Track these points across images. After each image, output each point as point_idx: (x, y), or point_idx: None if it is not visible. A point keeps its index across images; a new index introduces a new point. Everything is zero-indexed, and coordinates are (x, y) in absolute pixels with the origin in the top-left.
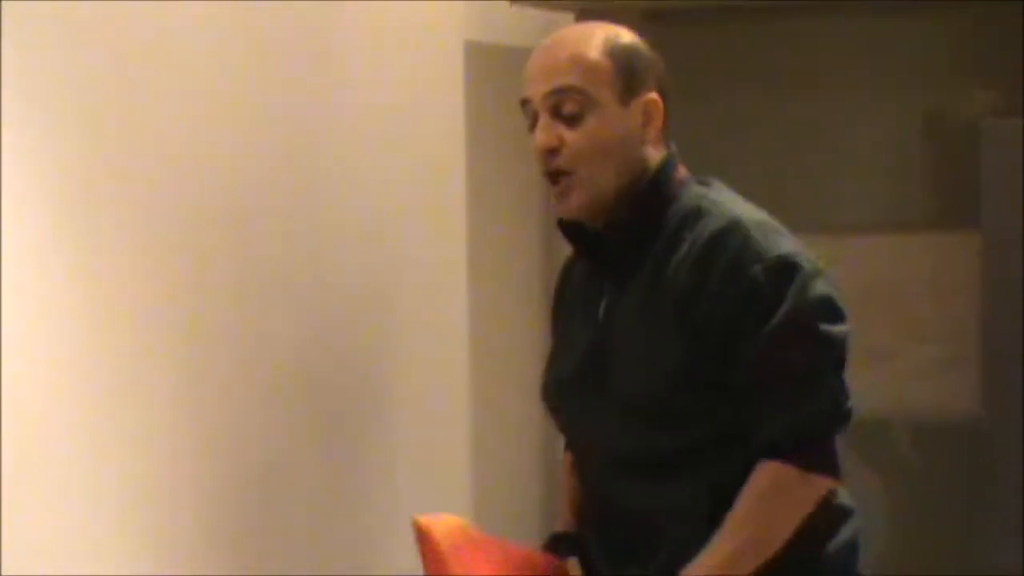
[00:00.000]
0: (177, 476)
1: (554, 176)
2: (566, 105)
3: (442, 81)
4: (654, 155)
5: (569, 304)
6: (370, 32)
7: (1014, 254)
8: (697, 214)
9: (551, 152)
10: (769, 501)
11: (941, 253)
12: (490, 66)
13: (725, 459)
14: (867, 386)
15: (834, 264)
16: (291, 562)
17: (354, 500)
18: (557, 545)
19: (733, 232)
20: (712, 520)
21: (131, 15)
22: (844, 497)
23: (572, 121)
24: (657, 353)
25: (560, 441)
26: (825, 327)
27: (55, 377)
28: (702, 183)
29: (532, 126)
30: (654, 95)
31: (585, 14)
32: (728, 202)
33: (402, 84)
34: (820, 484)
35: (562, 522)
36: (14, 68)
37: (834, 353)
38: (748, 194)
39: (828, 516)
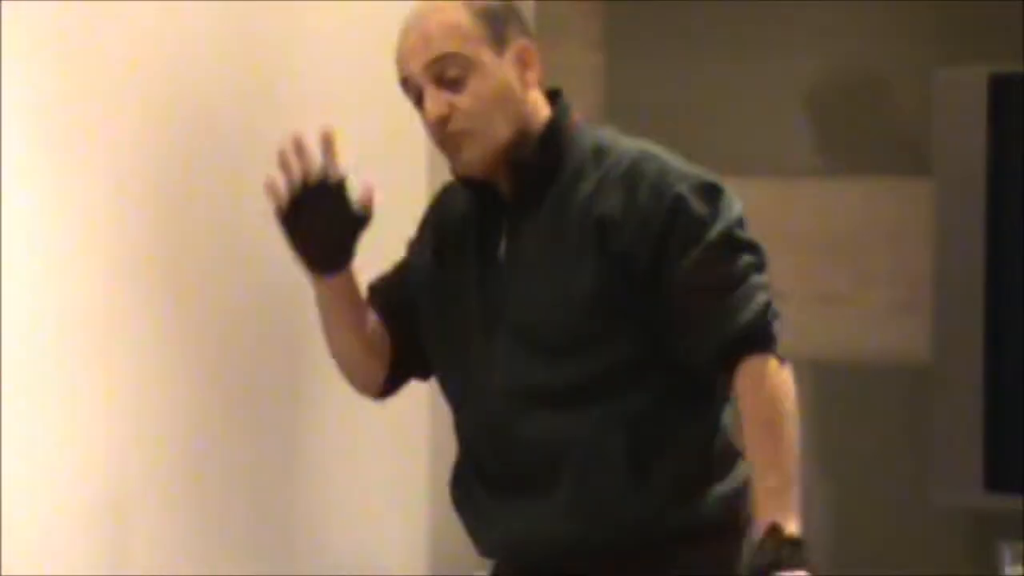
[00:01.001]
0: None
1: (449, 140)
2: (448, 71)
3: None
4: (539, 98)
5: (444, 244)
6: (331, 8)
7: (966, 201)
8: (599, 152)
9: (444, 120)
10: (785, 395)
11: (893, 199)
12: None
13: (637, 385)
14: (819, 330)
15: (786, 208)
16: (235, 535)
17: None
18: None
19: (648, 159)
20: (627, 448)
21: None
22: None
23: (456, 86)
24: (568, 283)
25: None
26: (750, 237)
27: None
28: (595, 128)
29: (418, 101)
30: (524, 41)
31: None
32: (627, 140)
33: (369, 46)
34: (789, 370)
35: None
36: None
37: (761, 257)
38: (701, 136)
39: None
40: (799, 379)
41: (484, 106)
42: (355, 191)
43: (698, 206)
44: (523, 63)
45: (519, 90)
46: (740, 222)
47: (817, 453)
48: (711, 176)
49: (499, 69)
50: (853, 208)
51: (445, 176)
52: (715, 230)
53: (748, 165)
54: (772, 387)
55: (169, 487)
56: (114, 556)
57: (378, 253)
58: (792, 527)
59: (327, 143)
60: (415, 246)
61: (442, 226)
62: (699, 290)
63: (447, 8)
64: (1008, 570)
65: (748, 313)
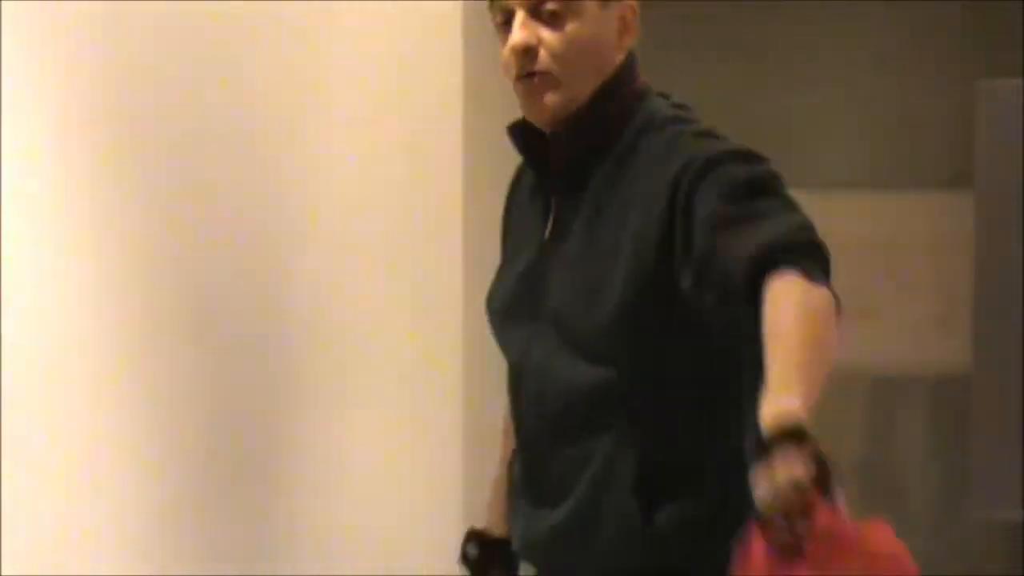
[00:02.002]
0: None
1: (527, 78)
2: (548, 3)
3: (441, 39)
4: (619, 61)
5: (514, 223)
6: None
7: (1007, 213)
8: (661, 129)
9: (527, 52)
10: (814, 304)
11: (933, 211)
12: (487, 24)
13: (658, 398)
14: (859, 342)
15: (826, 220)
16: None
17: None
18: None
19: (684, 137)
20: (636, 482)
21: None
22: None
23: (552, 21)
24: (605, 273)
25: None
26: (761, 163)
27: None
28: (662, 95)
29: (503, 24)
30: (630, 1)
31: None
32: (688, 117)
33: (402, 41)
34: (829, 293)
35: (499, 519)
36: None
37: (780, 179)
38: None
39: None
40: (837, 391)
41: (574, 53)
42: None
43: (718, 150)
44: (624, 24)
45: (611, 50)
46: (745, 149)
47: (856, 464)
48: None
49: (600, 21)
50: (893, 220)
51: (481, 184)
52: (732, 167)
53: (787, 177)
54: (804, 293)
55: (174, 487)
56: (113, 558)
57: (407, 253)
58: (789, 404)
59: None
60: (503, 235)
61: (516, 206)
62: (722, 212)
63: None
64: None
65: (781, 227)
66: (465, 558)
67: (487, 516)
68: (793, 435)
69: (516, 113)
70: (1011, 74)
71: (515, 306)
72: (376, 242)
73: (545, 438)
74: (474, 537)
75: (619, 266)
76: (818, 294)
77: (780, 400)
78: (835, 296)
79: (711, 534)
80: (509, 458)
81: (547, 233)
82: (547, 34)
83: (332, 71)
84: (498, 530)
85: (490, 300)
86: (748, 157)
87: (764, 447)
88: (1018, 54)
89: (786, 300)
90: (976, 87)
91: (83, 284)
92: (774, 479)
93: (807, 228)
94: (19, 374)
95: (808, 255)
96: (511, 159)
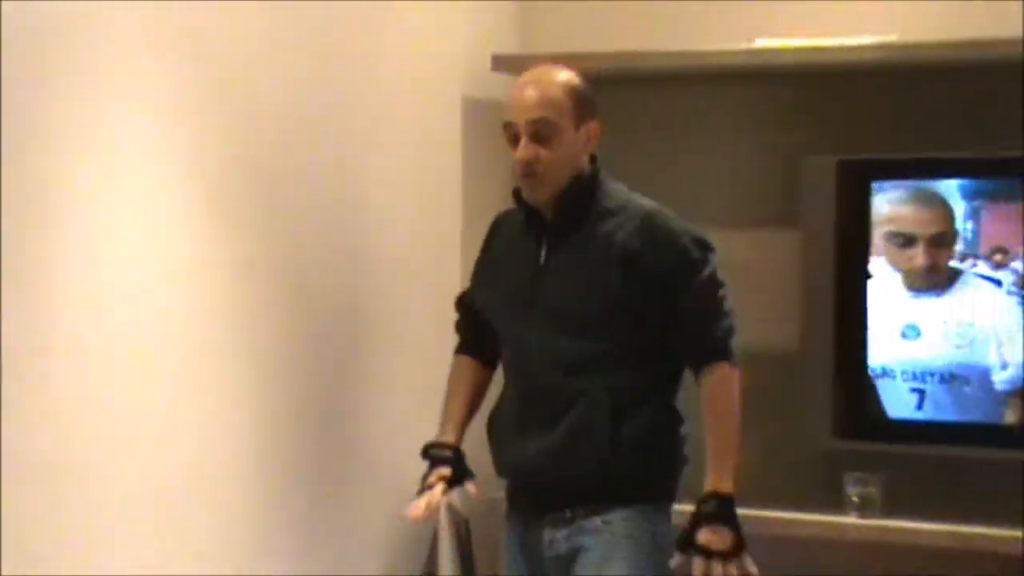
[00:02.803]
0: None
1: (531, 179)
2: (542, 130)
3: (443, 131)
4: (586, 160)
5: (501, 252)
6: (381, 83)
7: (822, 247)
8: (620, 202)
9: (529, 163)
10: (733, 397)
11: (771, 246)
12: (484, 118)
13: (625, 364)
14: None
15: None
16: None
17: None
18: (453, 460)
19: (659, 215)
20: (611, 410)
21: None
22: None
23: (543, 141)
24: (591, 287)
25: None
26: (721, 276)
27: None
28: (613, 179)
29: (512, 140)
30: (593, 123)
31: None
32: (636, 196)
33: (406, 130)
34: (739, 371)
35: (453, 428)
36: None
37: (727, 289)
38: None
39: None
40: None
41: (558, 162)
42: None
43: (695, 254)
44: (588, 138)
45: (581, 155)
46: (718, 264)
47: None
48: (700, 232)
49: (574, 139)
50: (745, 251)
51: (475, 223)
52: (705, 273)
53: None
54: (728, 388)
55: (273, 476)
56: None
57: (416, 256)
58: (726, 486)
59: None
60: (482, 257)
61: (500, 240)
62: (695, 311)
63: (555, 82)
64: (849, 489)
65: (722, 331)
66: (427, 454)
67: (440, 433)
68: (726, 512)
69: (499, 182)
70: (826, 151)
71: (511, 308)
72: (418, 263)
73: (542, 388)
74: (435, 444)
75: (606, 278)
76: (736, 382)
77: (720, 483)
78: (738, 367)
79: (660, 442)
80: (462, 401)
81: (542, 259)
82: (541, 151)
83: (371, 147)
84: (451, 438)
85: (488, 301)
86: (707, 247)
87: (705, 517)
88: (831, 134)
89: (720, 392)
90: (801, 161)
91: (184, 280)
92: (708, 545)
93: (732, 327)
94: (116, 371)
95: (733, 349)
96: (493, 208)
